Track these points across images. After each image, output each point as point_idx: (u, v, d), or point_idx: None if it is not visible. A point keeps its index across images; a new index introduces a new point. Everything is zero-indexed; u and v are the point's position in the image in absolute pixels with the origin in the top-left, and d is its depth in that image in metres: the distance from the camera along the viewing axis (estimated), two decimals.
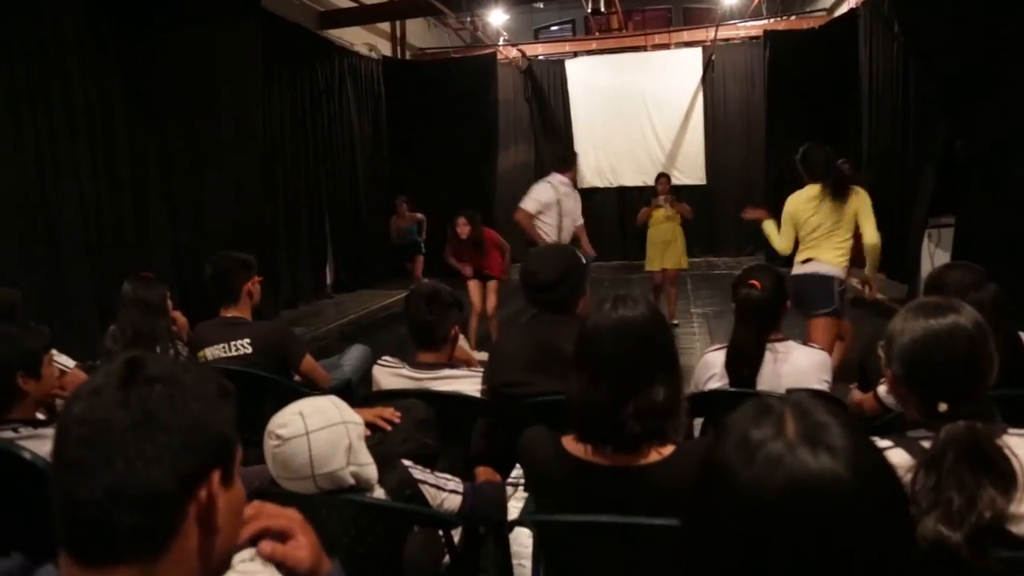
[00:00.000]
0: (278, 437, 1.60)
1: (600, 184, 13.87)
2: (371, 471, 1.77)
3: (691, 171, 13.44)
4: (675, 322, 7.16)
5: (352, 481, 1.72)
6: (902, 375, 1.42)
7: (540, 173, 14.14)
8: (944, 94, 6.61)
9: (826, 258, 4.28)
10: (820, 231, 4.30)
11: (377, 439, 2.04)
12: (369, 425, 2.10)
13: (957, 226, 7.33)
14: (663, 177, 7.99)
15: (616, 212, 13.55)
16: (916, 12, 6.37)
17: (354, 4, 11.00)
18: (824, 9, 12.57)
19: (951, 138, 6.93)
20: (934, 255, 7.62)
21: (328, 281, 10.85)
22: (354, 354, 3.69)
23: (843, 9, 11.52)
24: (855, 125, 10.69)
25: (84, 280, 6.12)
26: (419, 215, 10.44)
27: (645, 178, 12.92)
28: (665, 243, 7.54)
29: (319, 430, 1.61)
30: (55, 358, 3.40)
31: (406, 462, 1.87)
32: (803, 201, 4.39)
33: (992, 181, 6.41)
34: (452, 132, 12.34)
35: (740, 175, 13.12)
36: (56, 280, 5.92)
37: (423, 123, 12.45)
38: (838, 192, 4.21)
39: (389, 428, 2.09)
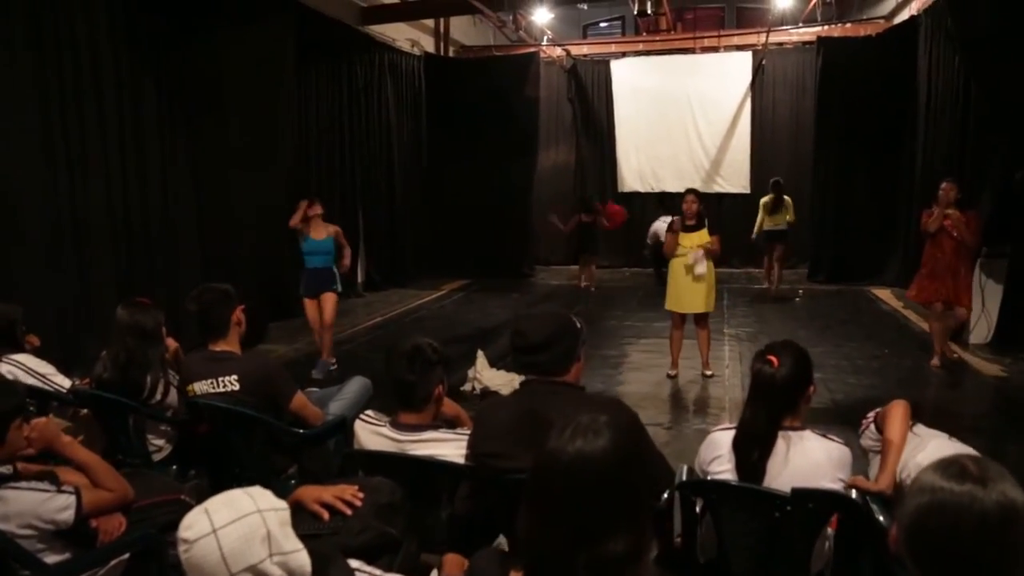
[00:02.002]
0: (184, 541, 1.44)
1: (641, 189, 13.57)
2: (301, 558, 1.60)
3: (735, 179, 13.07)
4: (708, 373, 6.38)
5: (280, 572, 1.56)
6: (904, 539, 1.21)
7: (580, 174, 14.01)
8: (1004, 121, 6.23)
9: None
10: None
11: (333, 526, 1.89)
12: (328, 508, 1.96)
13: (1012, 257, 6.95)
14: (690, 195, 6.24)
15: (656, 217, 13.20)
16: (976, 33, 5.99)
17: (396, 1, 10.87)
18: (882, 17, 12.04)
19: (1010, 166, 6.54)
20: (985, 286, 7.23)
21: (359, 279, 10.79)
22: (352, 387, 3.56)
23: (903, 16, 11.02)
24: (909, 141, 10.22)
25: (109, 282, 6.11)
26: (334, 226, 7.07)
27: (687, 184, 12.49)
28: (692, 279, 6.11)
29: (228, 525, 1.45)
30: (50, 379, 3.35)
31: (354, 563, 1.71)
32: None
33: None
34: (492, 130, 12.18)
35: (786, 184, 12.68)
36: (81, 281, 5.93)
37: (463, 120, 12.31)
38: None
39: (348, 512, 1.94)
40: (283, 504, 1.61)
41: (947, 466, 1.21)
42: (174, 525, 1.52)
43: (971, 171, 8.01)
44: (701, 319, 6.31)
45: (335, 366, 6.66)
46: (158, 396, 3.10)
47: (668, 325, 6.50)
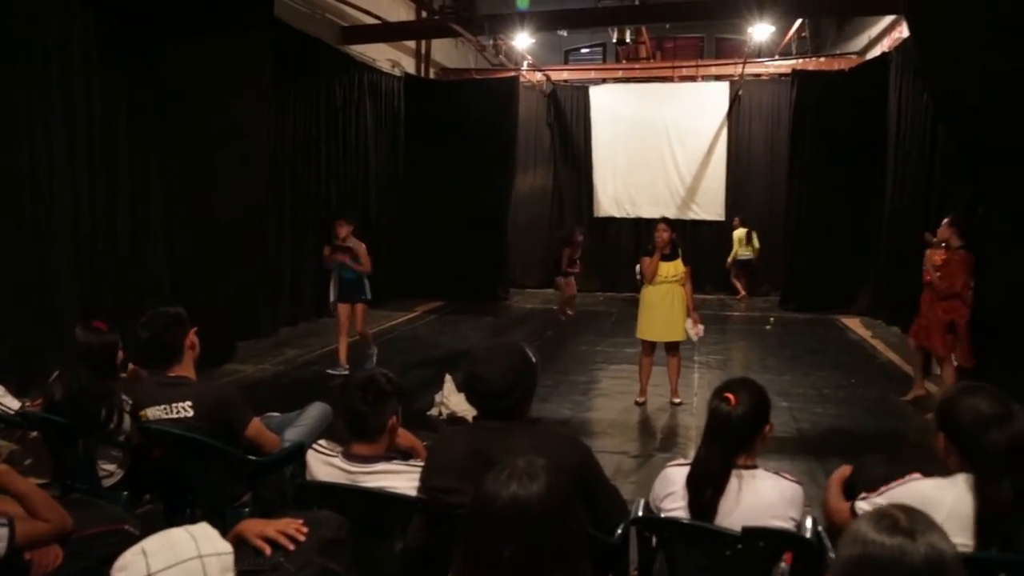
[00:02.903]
0: None
1: (617, 214, 13.67)
2: None
3: (711, 206, 13.21)
4: (677, 400, 6.37)
5: None
6: None
7: (557, 198, 14.08)
8: (968, 159, 6.35)
9: None
10: None
11: (274, 562, 1.84)
12: (270, 542, 1.92)
13: (976, 289, 7.04)
14: (662, 224, 6.23)
15: (632, 243, 13.29)
16: (944, 75, 6.10)
17: (377, 21, 10.91)
18: (855, 52, 12.28)
19: (973, 203, 6.65)
20: None
21: (332, 299, 10.69)
22: (312, 413, 3.50)
23: (875, 52, 11.24)
24: (879, 173, 10.38)
25: (73, 301, 5.99)
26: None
27: (663, 211, 12.70)
28: (665, 308, 6.14)
29: (165, 569, 1.41)
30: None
31: None
32: None
33: (1013, 251, 6.13)
34: (471, 153, 12.23)
35: (760, 213, 12.86)
36: (45, 300, 5.81)
37: (442, 142, 12.35)
38: None
39: (291, 546, 1.89)
40: (226, 547, 1.58)
41: (880, 518, 1.22)
42: (115, 557, 1.47)
43: (937, 205, 8.16)
44: (672, 347, 6.30)
45: (375, 352, 7.48)
46: (112, 424, 3.04)
47: (639, 352, 6.51)
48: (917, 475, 2.15)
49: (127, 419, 3.11)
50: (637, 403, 6.41)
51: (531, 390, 2.32)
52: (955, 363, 6.18)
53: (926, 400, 6.67)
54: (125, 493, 3.16)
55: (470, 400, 2.35)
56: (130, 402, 3.11)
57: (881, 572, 1.15)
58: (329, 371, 7.32)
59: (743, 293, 12.67)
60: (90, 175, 6.23)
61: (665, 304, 6.12)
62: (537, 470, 1.34)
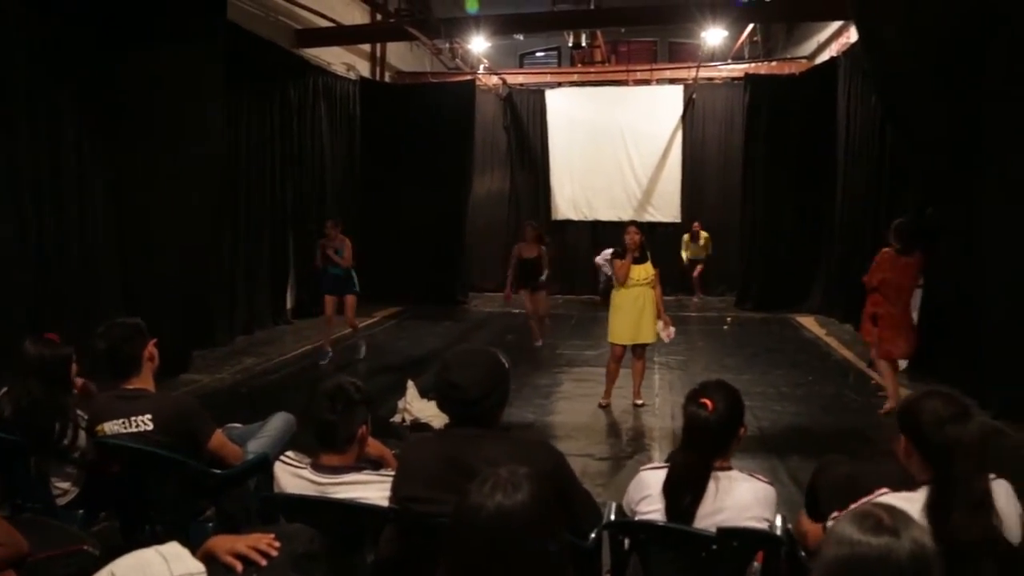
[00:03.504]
0: None
1: (575, 217, 13.73)
2: None
3: (667, 209, 13.36)
4: (640, 402, 6.39)
5: None
6: None
7: (515, 202, 14.09)
8: (915, 160, 6.52)
9: None
10: None
11: None
12: (241, 558, 1.86)
13: (926, 288, 7.24)
14: (632, 227, 6.40)
15: (589, 246, 13.37)
16: (891, 79, 6.27)
17: (332, 24, 10.79)
18: (805, 56, 12.55)
19: (923, 202, 6.84)
20: None
21: (288, 305, 10.55)
22: (275, 424, 3.43)
23: (824, 56, 11.49)
24: (830, 175, 10.62)
25: (20, 313, 5.78)
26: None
27: (620, 213, 12.84)
28: (637, 311, 6.14)
29: None
30: None
31: None
32: None
33: (961, 248, 6.32)
34: (427, 157, 12.17)
35: (715, 215, 13.04)
36: None
37: (398, 146, 12.28)
38: None
39: (263, 562, 1.84)
40: (198, 567, 1.52)
41: (862, 519, 1.23)
42: None
43: (887, 205, 8.37)
44: (640, 350, 6.30)
45: (332, 355, 8.03)
46: (66, 440, 2.93)
47: (600, 354, 6.53)
48: (885, 490, 2.18)
49: (82, 434, 3.00)
50: (600, 406, 6.42)
51: (505, 397, 2.30)
52: (881, 356, 6.18)
53: (875, 390, 6.86)
54: (80, 512, 3.05)
55: (443, 407, 2.32)
56: (85, 417, 3.00)
57: (870, 571, 1.17)
58: (320, 362, 7.91)
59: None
60: (35, 183, 6.02)
61: (637, 307, 6.11)
62: (521, 479, 1.33)
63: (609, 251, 8.93)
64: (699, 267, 12.82)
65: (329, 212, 11.30)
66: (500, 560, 1.26)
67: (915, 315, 6.71)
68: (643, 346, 6.29)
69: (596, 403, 6.47)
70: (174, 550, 1.51)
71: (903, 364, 6.58)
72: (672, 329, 6.32)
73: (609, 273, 8.56)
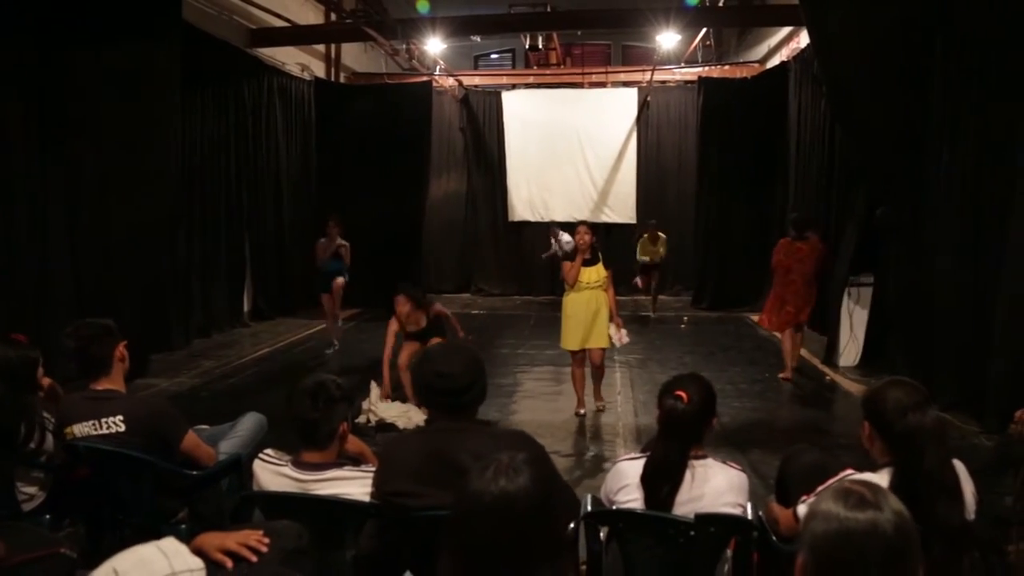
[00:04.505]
0: None
1: (531, 218, 13.79)
2: None
3: (622, 210, 13.51)
4: (600, 405, 6.26)
5: None
6: (812, 568, 1.27)
7: (472, 203, 14.11)
8: (864, 160, 6.74)
9: None
10: None
11: (239, 575, 1.79)
12: (232, 555, 1.86)
13: (875, 285, 7.49)
14: (582, 227, 6.03)
15: (546, 247, 13.43)
16: (840, 80, 6.47)
17: (287, 24, 10.67)
18: (756, 61, 12.84)
19: (872, 202, 7.06)
20: (853, 312, 7.77)
21: (246, 308, 10.40)
22: (246, 425, 3.41)
23: (775, 61, 11.78)
24: (782, 176, 10.89)
25: None
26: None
27: (576, 214, 12.92)
28: (590, 315, 5.94)
29: None
30: None
31: None
32: None
33: (909, 245, 6.54)
34: (384, 158, 12.08)
35: (671, 215, 13.23)
36: None
37: (354, 147, 12.18)
38: None
39: (254, 558, 1.84)
40: (198, 563, 1.53)
41: (846, 495, 1.29)
42: None
43: (838, 206, 8.62)
44: (597, 353, 6.09)
45: (338, 346, 8.74)
46: (32, 444, 2.86)
47: (561, 354, 6.53)
48: (850, 470, 2.28)
49: (49, 437, 2.93)
50: (577, 415, 6.13)
51: (484, 390, 2.34)
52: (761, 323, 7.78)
53: (829, 385, 7.13)
54: (47, 516, 2.98)
55: (428, 399, 2.34)
56: (52, 420, 2.94)
57: (859, 544, 1.22)
58: (326, 351, 8.59)
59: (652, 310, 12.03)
60: None
61: (589, 311, 5.91)
62: (521, 464, 1.36)
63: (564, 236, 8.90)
64: (655, 274, 11.66)
65: (286, 213, 11.24)
66: (505, 544, 1.29)
67: (852, 303, 7.72)
68: (601, 351, 6.08)
69: (558, 402, 6.51)
70: (173, 546, 1.52)
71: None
72: (624, 332, 6.11)
73: (556, 250, 8.61)
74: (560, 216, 13.46)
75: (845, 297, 7.77)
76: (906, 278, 6.60)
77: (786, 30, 11.09)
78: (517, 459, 1.38)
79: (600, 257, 6.06)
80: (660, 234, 11.52)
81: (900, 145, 6.23)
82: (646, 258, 11.62)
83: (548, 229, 12.37)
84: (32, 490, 2.98)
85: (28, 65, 6.16)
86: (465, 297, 13.44)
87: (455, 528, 1.35)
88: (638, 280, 11.87)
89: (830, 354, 7.92)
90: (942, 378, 6.06)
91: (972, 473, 2.27)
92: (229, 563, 1.86)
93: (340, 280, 8.59)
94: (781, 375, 7.32)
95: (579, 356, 6.07)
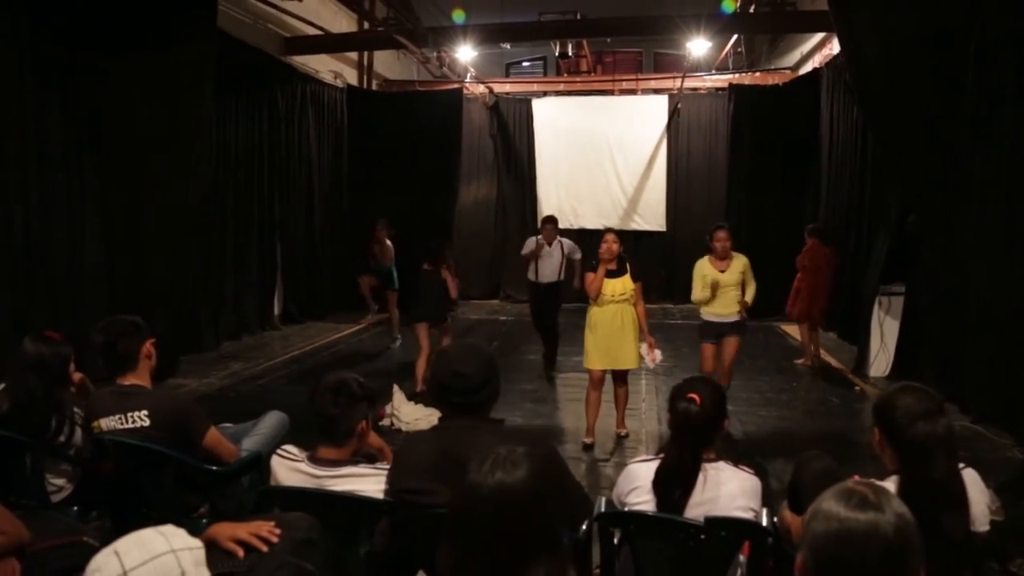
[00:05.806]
0: None
1: (561, 225, 13.71)
2: None
3: (652, 218, 13.45)
4: (623, 432, 5.67)
5: None
6: (812, 568, 1.27)
7: (501, 210, 14.16)
8: (896, 167, 6.64)
9: None
10: None
11: (249, 564, 1.83)
12: (243, 544, 1.90)
13: (907, 295, 7.37)
14: (610, 235, 5.50)
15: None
16: (872, 86, 6.38)
17: (320, 32, 10.84)
18: (788, 68, 12.72)
19: (904, 210, 6.96)
20: (884, 322, 7.65)
21: (276, 312, 10.55)
22: (268, 423, 3.47)
23: (807, 68, 11.66)
24: (814, 186, 10.76)
25: (6, 318, 5.76)
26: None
27: (606, 221, 12.89)
28: (616, 332, 5.30)
29: (140, 566, 1.40)
30: None
31: None
32: None
33: (942, 252, 6.43)
34: (415, 164, 12.21)
35: (701, 224, 13.06)
36: None
37: (386, 154, 12.30)
38: None
39: (264, 548, 1.88)
40: (197, 543, 1.57)
41: (848, 496, 1.28)
42: (75, 569, 1.45)
43: (869, 215, 8.50)
44: (621, 376, 5.51)
45: (401, 339, 9.58)
46: (63, 437, 2.94)
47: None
48: (857, 477, 2.25)
49: (78, 431, 3.02)
50: (585, 446, 5.46)
51: (498, 389, 2.37)
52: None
53: (859, 395, 7.00)
54: (75, 508, 3.07)
55: (442, 398, 2.37)
56: (82, 414, 3.03)
57: (858, 544, 1.22)
58: (391, 345, 9.50)
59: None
60: (23, 185, 6.01)
61: (614, 327, 5.30)
62: (520, 457, 1.38)
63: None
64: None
65: (318, 218, 11.38)
66: (502, 536, 1.30)
67: (883, 313, 7.74)
68: (625, 372, 5.50)
69: (582, 409, 6.45)
70: (171, 528, 1.56)
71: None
72: (658, 352, 5.44)
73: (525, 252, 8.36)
74: (590, 224, 13.45)
75: (876, 306, 7.65)
76: (938, 287, 6.49)
77: (819, 36, 10.97)
78: (516, 452, 1.40)
79: (628, 268, 5.44)
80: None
81: (932, 151, 6.13)
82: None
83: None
84: (60, 482, 3.06)
85: (67, 70, 6.35)
86: (494, 303, 13.48)
87: (452, 519, 1.37)
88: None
89: (860, 364, 7.81)
90: (975, 389, 5.95)
91: (1006, 485, 2.24)
92: (240, 552, 1.90)
93: (392, 294, 9.98)
94: (801, 361, 8.35)
95: (598, 377, 5.46)
